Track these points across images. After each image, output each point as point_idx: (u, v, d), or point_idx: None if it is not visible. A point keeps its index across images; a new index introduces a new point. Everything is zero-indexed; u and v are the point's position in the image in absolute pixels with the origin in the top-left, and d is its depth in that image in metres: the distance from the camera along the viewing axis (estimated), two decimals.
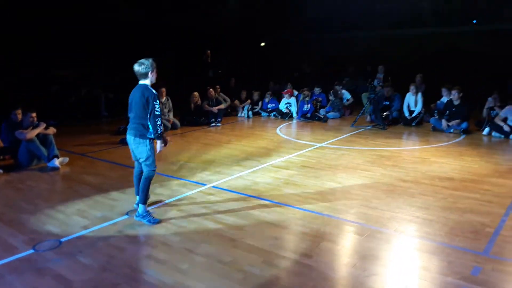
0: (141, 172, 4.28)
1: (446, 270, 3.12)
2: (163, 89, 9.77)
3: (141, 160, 4.20)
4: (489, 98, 9.16)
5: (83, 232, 3.94)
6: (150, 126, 4.04)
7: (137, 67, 4.05)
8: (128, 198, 4.84)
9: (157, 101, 4.03)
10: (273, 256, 3.40)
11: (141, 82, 4.11)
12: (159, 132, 4.04)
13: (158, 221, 4.14)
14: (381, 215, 4.23)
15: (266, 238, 3.73)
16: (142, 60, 4.05)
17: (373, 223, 4.04)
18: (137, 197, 4.32)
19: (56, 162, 6.28)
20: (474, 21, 14.39)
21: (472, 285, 2.90)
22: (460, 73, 12.26)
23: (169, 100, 9.92)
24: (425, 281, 2.99)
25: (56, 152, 6.42)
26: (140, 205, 4.17)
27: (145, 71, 4.05)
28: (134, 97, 4.10)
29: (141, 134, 4.08)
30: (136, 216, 4.20)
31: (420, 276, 3.05)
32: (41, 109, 7.94)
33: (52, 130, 6.62)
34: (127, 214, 4.36)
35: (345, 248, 3.59)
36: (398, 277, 3.08)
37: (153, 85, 4.15)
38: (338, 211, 4.40)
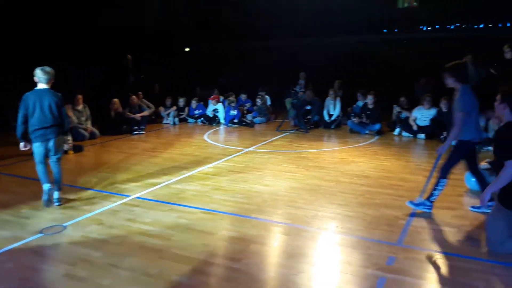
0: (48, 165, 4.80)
1: (366, 262, 3.33)
2: (80, 96, 9.20)
3: (59, 154, 4.82)
4: (394, 106, 10.06)
5: None
6: (65, 123, 4.77)
7: (43, 74, 4.57)
8: (42, 215, 4.45)
9: None
10: (202, 264, 3.35)
11: (44, 86, 4.61)
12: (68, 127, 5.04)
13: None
14: (305, 214, 4.40)
15: (194, 246, 3.67)
16: (46, 68, 4.60)
17: (298, 223, 4.18)
18: (55, 192, 4.76)
19: None
20: (385, 30, 15.79)
21: (388, 274, 3.14)
22: (372, 78, 13.31)
23: (87, 108, 9.34)
24: (348, 274, 3.16)
25: None
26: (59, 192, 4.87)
27: (51, 77, 4.64)
28: (48, 101, 4.57)
29: (62, 131, 4.80)
30: (58, 202, 4.76)
31: (343, 270, 3.23)
32: None
33: None
34: (41, 232, 3.99)
35: (273, 249, 3.67)
36: (324, 272, 3.22)
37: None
38: (265, 213, 4.48)
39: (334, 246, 3.70)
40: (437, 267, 3.30)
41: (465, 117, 4.07)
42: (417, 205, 4.42)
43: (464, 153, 4.28)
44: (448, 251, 3.53)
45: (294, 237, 3.85)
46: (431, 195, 4.35)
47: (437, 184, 4.31)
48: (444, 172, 4.27)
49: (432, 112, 8.87)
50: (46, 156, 4.73)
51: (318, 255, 3.54)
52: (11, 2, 10.93)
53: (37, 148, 4.63)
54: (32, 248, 3.66)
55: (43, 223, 4.23)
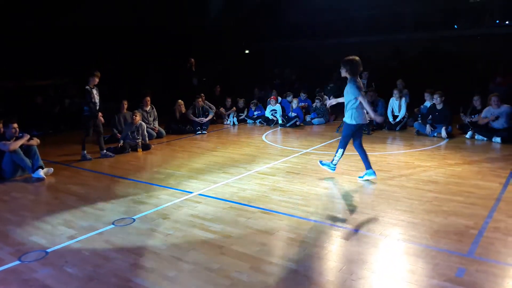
0: None
1: (432, 272, 3.16)
2: (148, 98, 9.75)
3: None
4: (462, 115, 9.40)
5: (69, 242, 3.90)
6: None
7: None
8: (114, 208, 4.81)
9: None
10: (261, 262, 3.40)
11: None
12: None
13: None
14: (366, 219, 4.28)
15: (253, 245, 3.74)
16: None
17: (359, 227, 4.08)
18: None
19: (41, 172, 6.20)
20: (456, 26, 14.76)
21: (457, 286, 2.95)
22: (441, 77, 12.54)
23: (154, 109, 9.89)
24: (411, 283, 3.02)
25: (41, 162, 6.33)
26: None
27: None
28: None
29: None
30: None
31: (406, 279, 3.09)
32: (25, 120, 7.85)
33: (35, 141, 6.54)
34: (113, 223, 4.32)
35: (331, 253, 3.61)
36: (385, 280, 3.11)
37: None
38: (324, 216, 4.43)
39: (397, 253, 3.55)
40: None
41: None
42: None
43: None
44: None
45: (354, 242, 3.77)
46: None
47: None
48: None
49: (502, 110, 8.18)
50: None
51: (379, 262, 3.41)
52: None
53: None
54: (105, 238, 3.97)
55: (115, 215, 4.57)
